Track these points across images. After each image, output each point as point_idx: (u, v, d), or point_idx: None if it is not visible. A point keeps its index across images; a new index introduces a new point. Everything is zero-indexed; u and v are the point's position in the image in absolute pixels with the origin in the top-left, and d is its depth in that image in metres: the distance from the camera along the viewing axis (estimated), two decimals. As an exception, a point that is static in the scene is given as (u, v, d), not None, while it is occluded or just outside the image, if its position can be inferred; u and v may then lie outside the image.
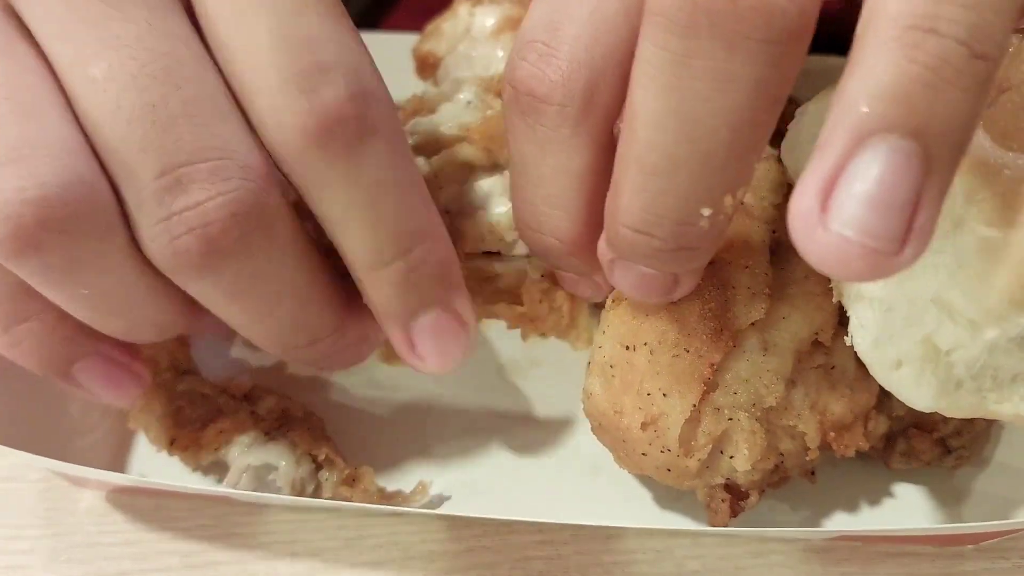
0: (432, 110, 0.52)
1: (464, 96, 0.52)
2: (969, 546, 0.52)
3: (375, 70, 0.40)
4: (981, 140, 0.40)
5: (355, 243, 0.42)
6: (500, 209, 0.50)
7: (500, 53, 0.59)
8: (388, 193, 0.40)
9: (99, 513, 0.53)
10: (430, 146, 0.50)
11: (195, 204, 0.36)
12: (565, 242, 0.43)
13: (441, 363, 0.46)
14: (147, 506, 0.53)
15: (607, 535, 0.53)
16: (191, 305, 0.42)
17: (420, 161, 0.48)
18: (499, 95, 0.50)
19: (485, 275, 0.51)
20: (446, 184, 0.49)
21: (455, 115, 0.50)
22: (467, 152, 0.49)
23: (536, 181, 0.41)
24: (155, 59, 0.36)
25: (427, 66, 0.63)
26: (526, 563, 0.52)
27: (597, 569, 0.52)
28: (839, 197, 0.29)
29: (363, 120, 0.38)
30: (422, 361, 0.47)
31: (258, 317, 0.42)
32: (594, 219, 0.42)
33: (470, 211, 0.51)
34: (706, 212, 0.36)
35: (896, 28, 0.29)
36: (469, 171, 0.50)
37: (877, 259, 0.30)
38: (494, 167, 0.51)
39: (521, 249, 0.51)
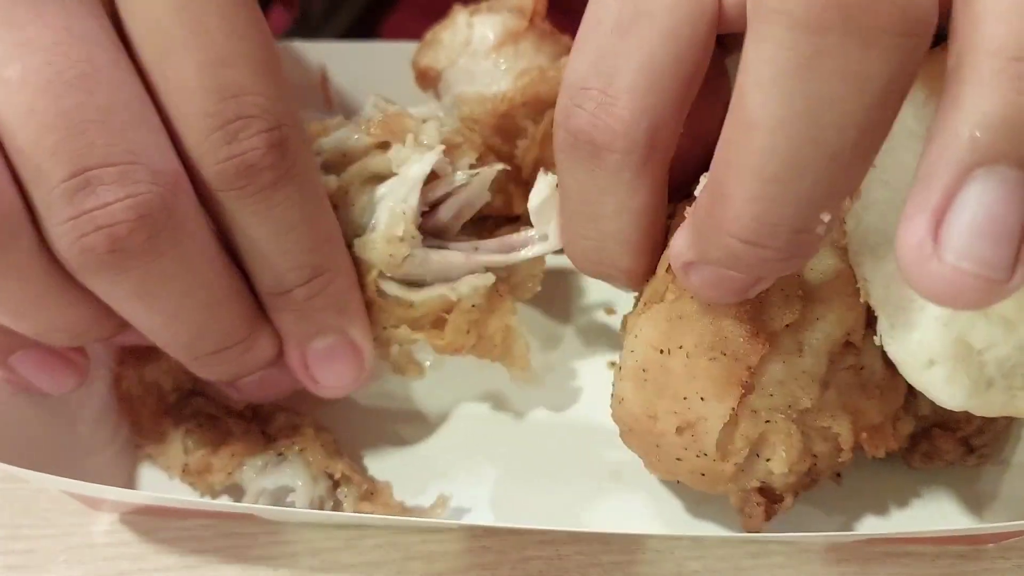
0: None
1: (365, 112, 0.53)
2: (990, 545, 0.52)
3: (295, 117, 0.42)
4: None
5: (260, 270, 0.45)
6: (390, 197, 0.49)
7: (503, 67, 0.59)
8: (293, 231, 0.43)
9: (96, 514, 0.52)
10: (337, 162, 0.50)
11: (102, 204, 0.37)
12: (627, 272, 0.46)
13: (333, 386, 0.50)
14: (145, 506, 0.52)
15: (607, 535, 0.52)
16: (105, 310, 0.43)
17: (331, 179, 0.49)
18: (523, 198, 0.53)
19: (404, 303, 0.51)
20: (356, 201, 0.49)
21: (358, 122, 0.52)
22: (374, 162, 0.50)
23: (596, 219, 0.44)
24: (71, 65, 0.37)
25: (427, 79, 0.62)
26: (526, 563, 0.51)
27: (597, 570, 0.51)
28: (950, 228, 0.30)
29: (276, 168, 0.41)
30: (315, 384, 0.50)
31: (164, 320, 0.43)
32: (654, 249, 0.45)
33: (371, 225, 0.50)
34: (826, 218, 0.35)
35: (999, 61, 0.29)
36: (378, 181, 0.50)
37: (990, 287, 0.30)
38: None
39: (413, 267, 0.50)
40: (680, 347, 0.44)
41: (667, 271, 0.46)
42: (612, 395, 0.48)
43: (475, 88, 0.59)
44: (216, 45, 0.39)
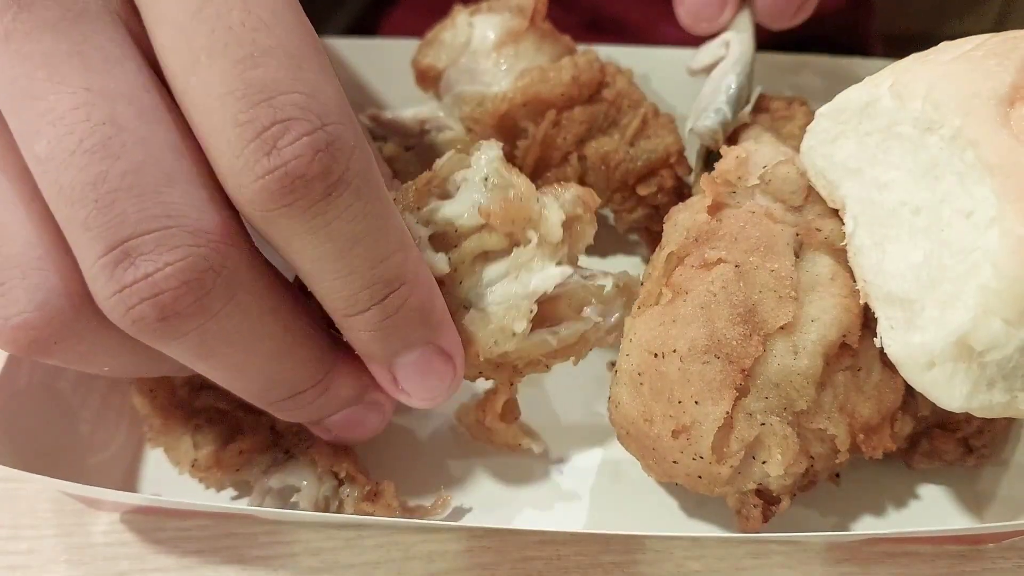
0: (443, 187, 0.47)
1: (479, 172, 0.46)
2: (990, 544, 0.51)
3: (344, 111, 0.37)
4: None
5: (328, 292, 0.40)
6: (505, 290, 0.46)
7: (503, 67, 0.58)
8: (358, 244, 0.38)
9: (95, 514, 0.52)
10: (448, 238, 0.46)
11: (143, 276, 0.35)
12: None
13: (426, 399, 0.46)
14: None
15: (607, 536, 0.51)
16: None
17: (439, 257, 0.45)
18: (517, 168, 0.48)
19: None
20: (465, 278, 0.46)
21: (472, 199, 0.46)
22: (488, 241, 0.46)
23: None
24: (92, 131, 0.35)
25: (428, 79, 0.61)
26: (526, 563, 0.51)
27: (597, 570, 0.50)
28: None
29: (327, 175, 0.35)
30: (407, 397, 0.46)
31: (232, 373, 0.41)
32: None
33: (480, 304, 0.47)
34: None
35: None
36: (486, 258, 0.47)
37: None
38: (512, 247, 0.47)
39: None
40: (674, 351, 0.43)
41: (662, 273, 0.45)
42: (609, 398, 0.47)
43: (476, 88, 0.58)
44: (241, 43, 0.35)
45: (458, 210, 0.45)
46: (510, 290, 0.45)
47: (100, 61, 0.35)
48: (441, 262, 0.45)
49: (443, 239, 0.46)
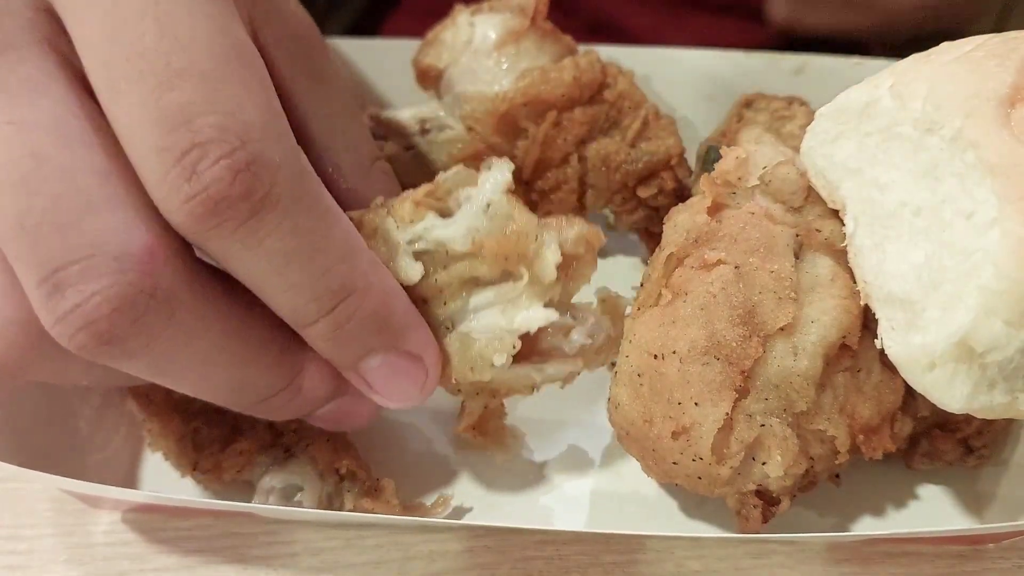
0: (444, 200, 0.45)
1: (483, 195, 0.44)
2: (990, 544, 0.51)
3: (268, 127, 0.36)
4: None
5: (277, 306, 0.40)
6: (489, 320, 0.45)
7: (504, 67, 0.57)
8: (294, 260, 0.37)
9: (96, 514, 0.52)
10: (438, 256, 0.44)
11: (73, 308, 0.35)
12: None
13: (400, 400, 0.45)
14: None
15: (607, 535, 0.51)
16: None
17: (415, 266, 0.44)
18: (522, 199, 0.46)
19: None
20: (451, 300, 0.45)
21: (469, 225, 0.44)
22: (479, 268, 0.44)
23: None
24: (14, 166, 0.35)
25: (428, 78, 0.61)
26: (527, 563, 0.50)
27: (597, 569, 0.50)
28: None
29: (250, 195, 0.35)
30: (381, 398, 0.45)
31: (194, 385, 0.40)
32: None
33: (463, 328, 0.46)
34: None
35: None
36: (475, 284, 0.45)
37: None
38: (503, 278, 0.46)
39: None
40: (674, 352, 0.43)
41: (661, 274, 0.45)
42: (608, 399, 0.47)
43: (476, 87, 0.58)
44: (155, 67, 0.34)
45: (452, 234, 0.44)
46: (494, 322, 0.44)
47: (24, 92, 0.35)
48: (415, 270, 0.43)
49: (433, 256, 0.44)
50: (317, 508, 0.48)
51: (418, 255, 0.44)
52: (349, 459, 0.50)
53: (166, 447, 0.51)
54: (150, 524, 0.51)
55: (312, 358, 0.43)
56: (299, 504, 0.49)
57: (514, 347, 0.44)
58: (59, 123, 0.36)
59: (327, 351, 0.42)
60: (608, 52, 0.64)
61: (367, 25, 0.89)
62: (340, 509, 0.49)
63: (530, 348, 0.46)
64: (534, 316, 0.44)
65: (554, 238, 0.44)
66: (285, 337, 0.42)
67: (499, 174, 0.44)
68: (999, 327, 0.38)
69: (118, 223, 0.35)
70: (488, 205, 0.44)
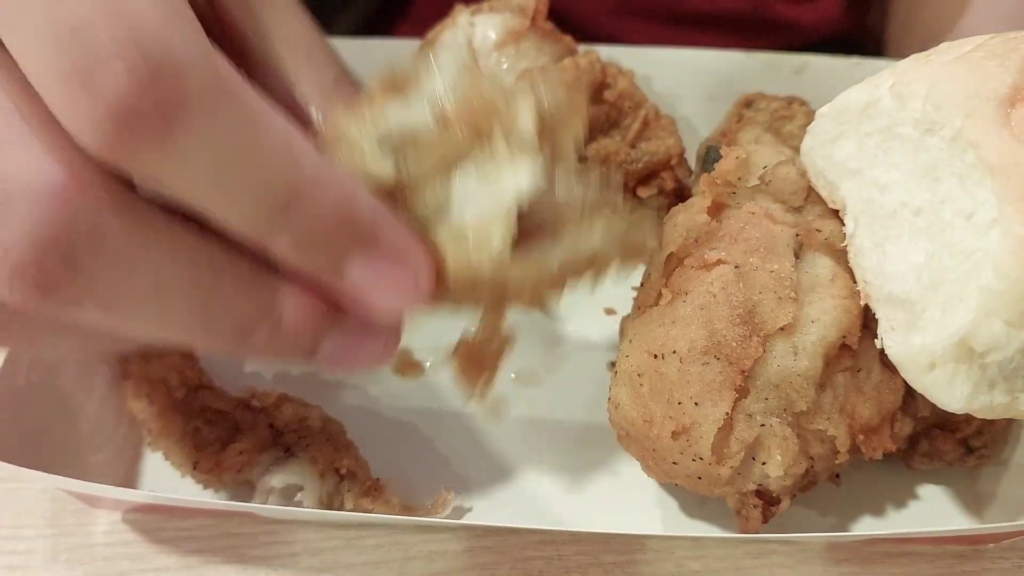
0: (404, 88, 0.41)
1: (443, 70, 0.40)
2: (990, 544, 0.51)
3: (169, 24, 0.32)
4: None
5: (230, 226, 0.35)
6: (476, 202, 0.40)
7: (504, 67, 0.57)
8: (227, 168, 0.33)
9: (96, 514, 0.52)
10: (409, 148, 0.40)
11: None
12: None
13: (396, 304, 0.39)
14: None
15: (607, 536, 0.51)
16: None
17: (387, 165, 0.39)
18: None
19: None
20: (428, 190, 0.40)
21: (431, 98, 0.40)
22: (451, 148, 0.39)
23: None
24: None
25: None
26: (526, 563, 0.50)
27: (597, 569, 0.50)
28: None
29: (160, 104, 0.31)
30: (374, 312, 0.40)
31: (158, 329, 0.36)
32: None
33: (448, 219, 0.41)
34: None
35: None
36: (451, 167, 0.40)
37: None
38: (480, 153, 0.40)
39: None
40: (674, 352, 0.43)
41: (661, 274, 0.45)
42: (608, 399, 0.46)
43: (477, 88, 0.58)
44: None
45: (415, 114, 0.39)
46: (482, 203, 0.39)
47: None
48: (385, 166, 0.39)
49: (404, 150, 0.39)
50: (317, 508, 0.48)
51: (387, 151, 0.39)
52: (349, 459, 0.50)
53: (166, 447, 0.51)
54: (150, 524, 0.51)
55: (287, 283, 0.38)
56: (299, 504, 0.49)
57: (510, 226, 0.39)
58: None
59: (301, 265, 0.38)
60: (608, 52, 0.64)
61: (372, 34, 0.88)
62: (340, 509, 0.49)
63: (532, 230, 0.40)
64: (523, 184, 0.39)
65: (527, 90, 0.40)
66: (251, 262, 0.37)
67: (455, 49, 0.40)
68: (999, 327, 0.38)
69: (26, 161, 0.32)
70: (447, 75, 0.40)
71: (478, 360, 0.45)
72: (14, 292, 0.33)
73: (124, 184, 0.35)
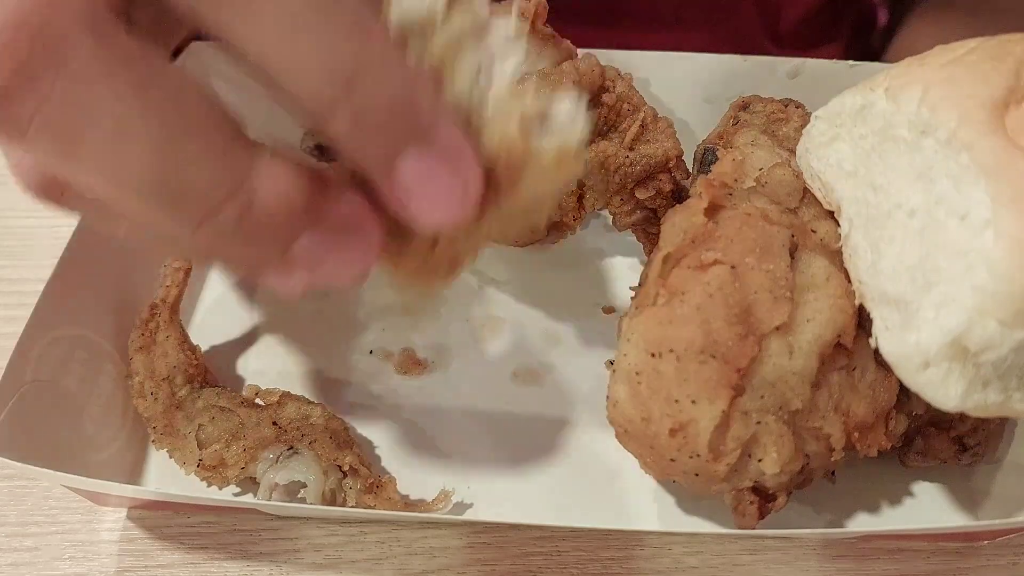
0: None
1: None
2: (985, 542, 0.51)
3: None
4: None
5: (292, 88, 0.33)
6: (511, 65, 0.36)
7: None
8: (301, 28, 0.32)
9: (101, 512, 0.51)
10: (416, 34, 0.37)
11: None
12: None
13: (442, 210, 0.36)
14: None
15: (605, 531, 0.51)
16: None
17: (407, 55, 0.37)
18: None
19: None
20: (456, 76, 0.36)
21: None
22: (456, 25, 0.37)
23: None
24: None
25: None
26: (526, 559, 0.50)
27: (595, 565, 0.50)
28: None
29: None
30: (419, 214, 0.36)
31: (109, 172, 0.33)
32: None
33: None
34: None
35: None
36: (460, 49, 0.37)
37: None
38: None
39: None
40: (671, 350, 0.42)
41: (659, 274, 0.45)
42: (607, 397, 0.46)
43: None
44: None
45: (412, 4, 0.37)
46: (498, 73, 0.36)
47: None
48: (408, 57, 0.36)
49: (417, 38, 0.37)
50: (320, 504, 0.48)
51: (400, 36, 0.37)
52: (351, 456, 0.50)
53: (171, 444, 0.50)
54: (155, 521, 0.51)
55: (266, 161, 0.35)
56: (302, 501, 0.49)
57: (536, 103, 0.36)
58: None
59: (355, 148, 0.35)
60: (607, 56, 0.64)
61: None
62: (343, 505, 0.49)
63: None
64: (515, 59, 0.36)
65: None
66: (229, 127, 0.34)
67: None
68: (993, 327, 0.37)
69: None
70: None
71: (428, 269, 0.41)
72: None
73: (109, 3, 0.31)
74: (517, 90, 0.36)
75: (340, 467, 0.50)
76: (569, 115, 0.37)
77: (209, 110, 0.33)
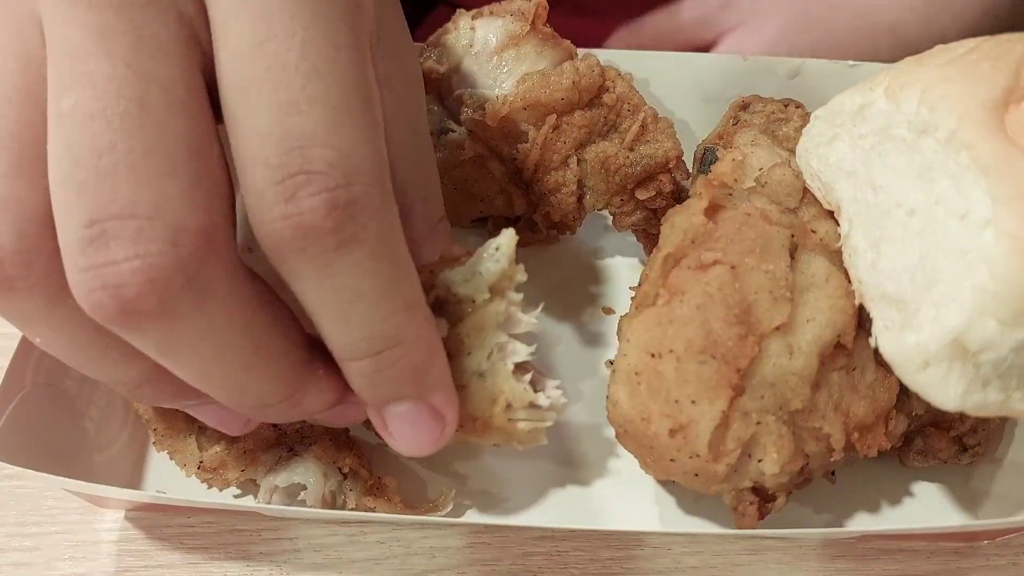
0: (457, 259, 0.46)
1: (496, 249, 0.44)
2: (985, 542, 0.50)
3: (376, 174, 0.36)
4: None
5: (326, 334, 0.39)
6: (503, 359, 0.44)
7: (505, 70, 0.57)
8: (361, 301, 0.37)
9: (101, 511, 0.51)
10: (459, 306, 0.44)
11: (110, 262, 0.33)
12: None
13: (411, 449, 0.44)
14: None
15: (606, 532, 0.51)
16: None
17: (439, 323, 0.43)
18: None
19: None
20: (475, 350, 0.44)
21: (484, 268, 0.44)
22: (494, 316, 0.44)
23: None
24: (117, 102, 0.33)
25: (430, 82, 0.60)
26: (526, 559, 0.50)
27: (595, 565, 0.50)
28: None
29: (340, 232, 0.35)
30: (393, 441, 0.44)
31: (195, 378, 0.39)
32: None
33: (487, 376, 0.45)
34: None
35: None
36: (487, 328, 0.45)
37: None
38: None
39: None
40: (671, 351, 0.42)
41: (659, 274, 0.45)
42: (607, 398, 0.46)
43: (477, 91, 0.57)
44: (291, 87, 0.34)
45: (471, 287, 0.44)
46: (505, 360, 0.44)
47: (151, 47, 0.34)
48: (441, 327, 0.43)
49: (452, 309, 0.44)
50: (320, 507, 0.48)
51: (439, 304, 0.44)
52: (352, 458, 0.50)
53: (172, 446, 0.50)
54: (155, 521, 0.51)
55: (320, 377, 0.42)
56: (302, 503, 0.48)
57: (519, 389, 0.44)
58: (173, 86, 0.35)
59: (361, 387, 0.41)
60: (607, 56, 0.64)
61: None
62: (343, 507, 0.49)
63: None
64: (528, 323, 0.45)
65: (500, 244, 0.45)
66: (300, 354, 0.41)
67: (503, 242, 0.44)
68: (993, 326, 0.37)
69: (190, 198, 0.34)
70: (497, 249, 0.44)
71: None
72: (95, 295, 0.33)
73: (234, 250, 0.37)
74: (515, 376, 0.44)
75: (340, 469, 0.50)
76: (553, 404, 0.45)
77: (290, 341, 0.40)
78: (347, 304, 0.37)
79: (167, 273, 0.33)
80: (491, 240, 0.44)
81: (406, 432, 0.43)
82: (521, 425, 0.45)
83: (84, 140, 0.33)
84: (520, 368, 0.44)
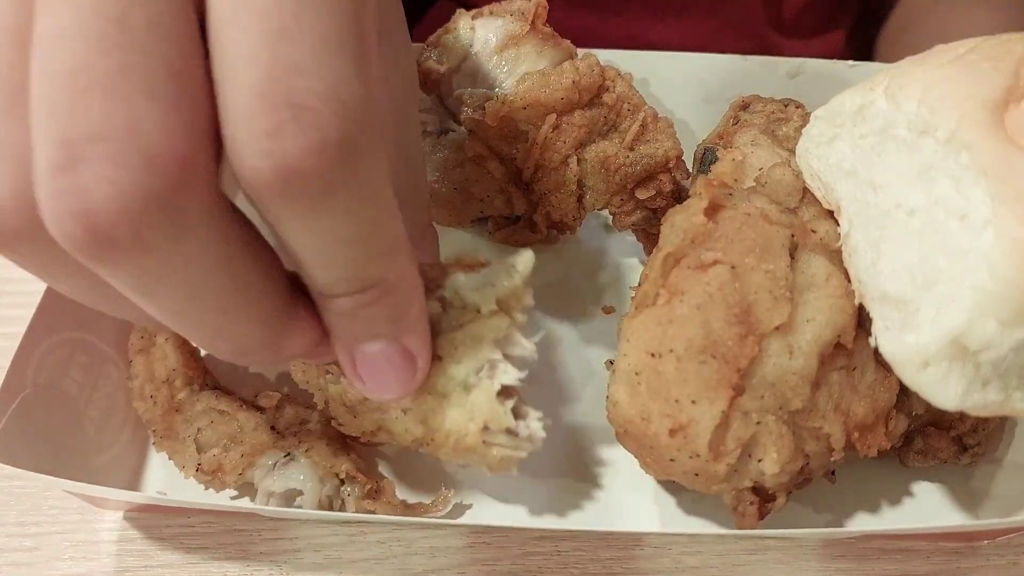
0: (472, 266, 0.45)
1: (513, 266, 0.44)
2: (985, 542, 0.50)
3: (365, 111, 0.34)
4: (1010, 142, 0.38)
5: (305, 271, 0.37)
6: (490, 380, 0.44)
7: (505, 70, 0.57)
8: (344, 243, 0.36)
9: (101, 512, 0.51)
10: (460, 311, 0.44)
11: (80, 187, 0.30)
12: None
13: (380, 391, 0.43)
14: (149, 504, 0.51)
15: (606, 532, 0.51)
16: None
17: (431, 304, 0.43)
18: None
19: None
20: (466, 359, 0.44)
21: (493, 280, 0.44)
22: (494, 329, 0.44)
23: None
24: (95, 20, 0.31)
25: (430, 82, 0.61)
26: (526, 559, 0.50)
27: (596, 565, 0.50)
28: None
29: (325, 176, 0.32)
30: (362, 384, 0.43)
31: (172, 318, 0.36)
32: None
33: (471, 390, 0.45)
34: None
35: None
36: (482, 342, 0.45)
37: None
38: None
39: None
40: (671, 351, 0.42)
41: (659, 274, 0.45)
42: (607, 397, 0.46)
43: (477, 90, 0.57)
44: (283, 12, 0.32)
45: (477, 298, 0.44)
46: (494, 378, 0.44)
47: None
48: (433, 307, 0.43)
49: (454, 313, 0.44)
50: (316, 511, 0.48)
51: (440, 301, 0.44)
52: (348, 462, 0.50)
53: (170, 448, 0.50)
54: (154, 521, 0.51)
55: (301, 318, 0.40)
56: (299, 507, 0.48)
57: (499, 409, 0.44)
58: (158, 7, 0.32)
59: (337, 324, 0.40)
60: (607, 56, 0.64)
61: None
62: (340, 511, 0.49)
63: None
64: (528, 349, 0.45)
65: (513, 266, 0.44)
66: (283, 297, 0.39)
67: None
68: (993, 326, 0.37)
69: (168, 123, 0.32)
70: (514, 266, 0.44)
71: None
72: (65, 224, 0.31)
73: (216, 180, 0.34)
74: (498, 398, 0.43)
75: (337, 474, 0.50)
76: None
77: (267, 277, 0.38)
78: (330, 246, 0.36)
79: (140, 201, 0.31)
80: (509, 256, 0.44)
81: (377, 373, 0.42)
82: (495, 451, 0.44)
83: (59, 59, 0.31)
84: (506, 392, 0.44)
